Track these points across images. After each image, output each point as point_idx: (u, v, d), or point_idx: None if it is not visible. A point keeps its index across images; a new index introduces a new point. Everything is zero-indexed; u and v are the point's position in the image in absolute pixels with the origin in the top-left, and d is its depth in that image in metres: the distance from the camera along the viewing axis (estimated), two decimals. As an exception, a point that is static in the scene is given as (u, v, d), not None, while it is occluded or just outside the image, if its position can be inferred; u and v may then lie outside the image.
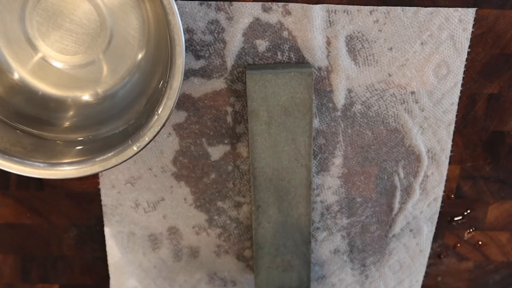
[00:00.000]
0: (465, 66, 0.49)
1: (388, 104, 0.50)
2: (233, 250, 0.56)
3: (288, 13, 0.46)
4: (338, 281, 0.58)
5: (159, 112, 0.41)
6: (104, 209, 0.54)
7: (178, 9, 0.39)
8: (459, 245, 0.57)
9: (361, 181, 0.53)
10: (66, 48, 0.46)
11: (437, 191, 0.54)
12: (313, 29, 0.47)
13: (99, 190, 0.54)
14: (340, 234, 0.55)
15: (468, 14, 0.46)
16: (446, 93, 0.50)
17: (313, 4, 0.46)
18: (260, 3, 0.46)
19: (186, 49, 0.46)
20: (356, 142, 0.52)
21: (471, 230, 0.57)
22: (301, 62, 0.48)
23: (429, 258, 0.58)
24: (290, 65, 0.48)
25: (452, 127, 0.51)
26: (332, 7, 0.46)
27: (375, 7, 0.46)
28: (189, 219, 0.55)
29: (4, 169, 0.43)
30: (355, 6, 0.46)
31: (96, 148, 0.45)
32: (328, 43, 0.47)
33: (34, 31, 0.45)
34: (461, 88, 0.50)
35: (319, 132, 0.51)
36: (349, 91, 0.49)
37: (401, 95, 0.50)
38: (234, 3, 0.46)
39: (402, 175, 0.53)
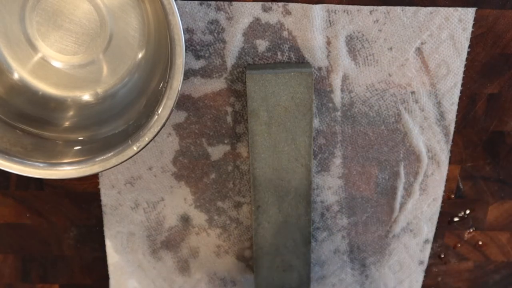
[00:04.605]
0: (465, 66, 0.49)
1: (389, 104, 0.50)
2: (233, 250, 0.56)
3: (288, 13, 0.46)
4: (338, 281, 0.58)
5: (159, 112, 0.41)
6: (104, 209, 0.54)
7: (178, 9, 0.39)
8: (459, 245, 0.57)
9: (361, 181, 0.53)
10: (66, 48, 0.46)
11: (437, 191, 0.54)
12: (313, 29, 0.47)
13: (99, 190, 0.54)
14: (340, 234, 0.55)
15: (468, 14, 0.46)
16: (446, 93, 0.50)
17: (313, 4, 0.46)
18: (260, 3, 0.46)
19: (186, 49, 0.46)
20: (356, 142, 0.51)
21: (471, 230, 0.57)
22: (301, 62, 0.48)
23: (429, 258, 0.58)
24: (290, 65, 0.48)
25: (452, 127, 0.51)
26: (332, 7, 0.46)
27: (375, 7, 0.46)
28: (189, 219, 0.55)
29: (4, 169, 0.43)
30: (355, 6, 0.46)
31: (96, 148, 0.45)
32: (328, 43, 0.47)
33: (34, 31, 0.45)
34: (461, 88, 0.50)
35: (319, 132, 0.51)
36: (349, 91, 0.49)
37: (401, 95, 0.50)
38: (234, 3, 0.46)
39: (402, 175, 0.53)
